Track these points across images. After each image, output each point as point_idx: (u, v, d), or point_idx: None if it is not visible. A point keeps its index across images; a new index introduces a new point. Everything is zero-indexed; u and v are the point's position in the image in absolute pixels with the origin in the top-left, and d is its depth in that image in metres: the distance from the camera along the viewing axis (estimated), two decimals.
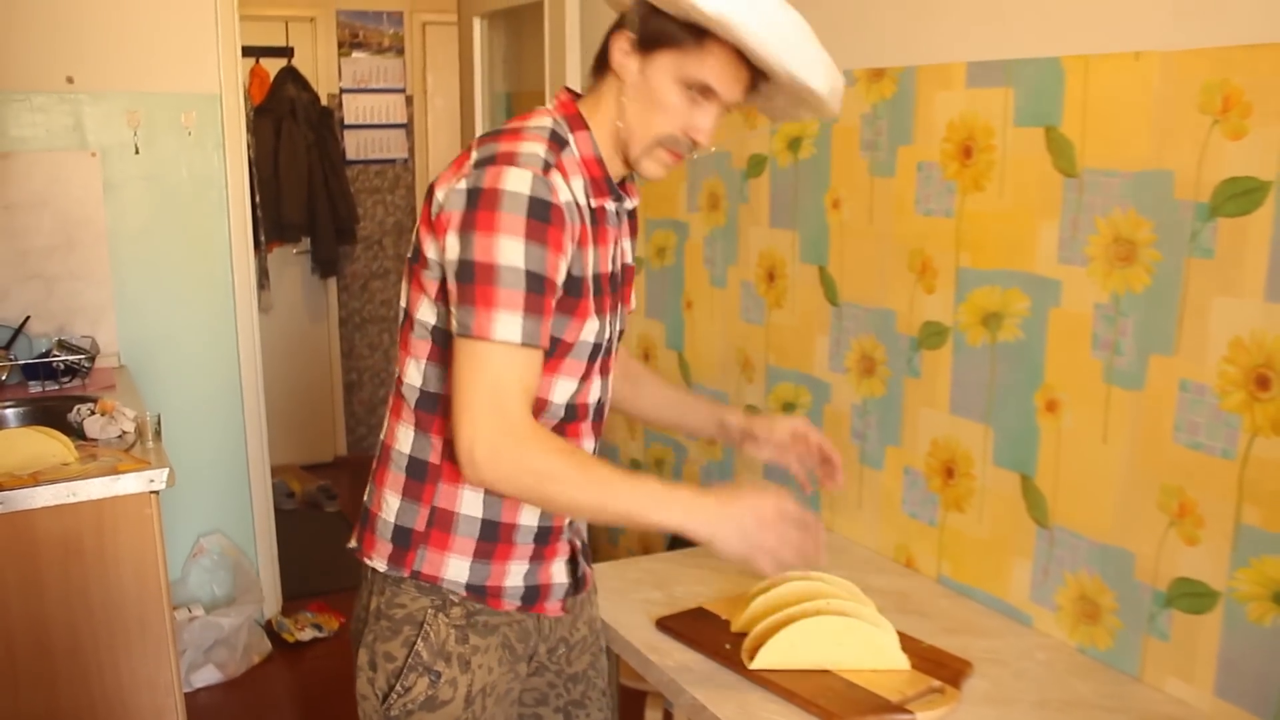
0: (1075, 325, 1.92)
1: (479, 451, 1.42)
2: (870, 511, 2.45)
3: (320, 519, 5.16)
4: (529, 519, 1.62)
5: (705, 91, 1.49)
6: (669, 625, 1.98)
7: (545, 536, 1.65)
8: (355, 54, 5.85)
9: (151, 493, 2.40)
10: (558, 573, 1.69)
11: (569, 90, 1.62)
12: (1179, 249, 1.73)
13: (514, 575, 1.63)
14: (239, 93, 3.68)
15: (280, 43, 5.58)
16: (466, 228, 1.43)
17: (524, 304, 1.41)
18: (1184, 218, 1.72)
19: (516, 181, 1.42)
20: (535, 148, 1.48)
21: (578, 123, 1.56)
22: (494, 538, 1.60)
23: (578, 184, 1.53)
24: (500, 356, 1.42)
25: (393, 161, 6.05)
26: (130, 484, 2.37)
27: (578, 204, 1.51)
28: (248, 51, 4.47)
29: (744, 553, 1.48)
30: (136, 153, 3.54)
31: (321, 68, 5.78)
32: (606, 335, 1.62)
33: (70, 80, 3.41)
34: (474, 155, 1.49)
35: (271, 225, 5.40)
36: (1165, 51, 1.73)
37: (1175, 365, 1.75)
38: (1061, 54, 1.91)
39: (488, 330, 1.41)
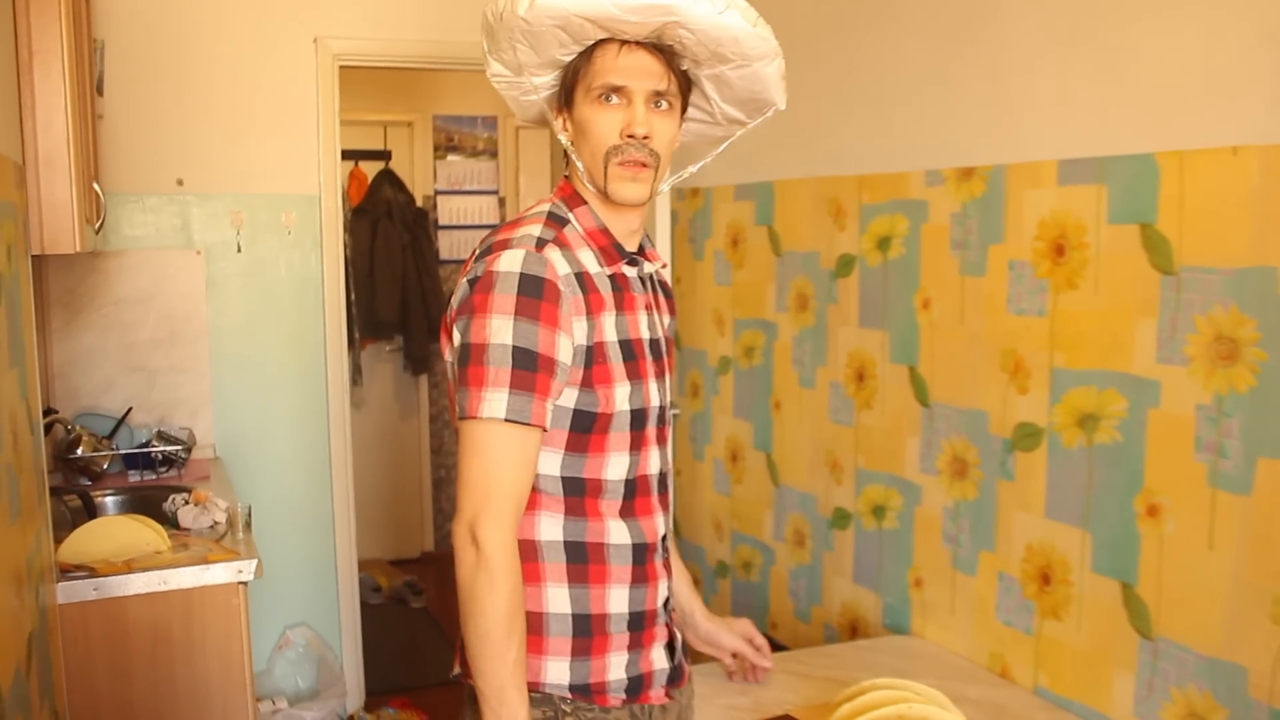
0: (1176, 427, 1.86)
1: (480, 532, 1.43)
2: (963, 618, 2.37)
3: (406, 614, 5.16)
4: (618, 606, 1.59)
5: (618, 91, 1.51)
6: None
7: (639, 622, 1.61)
8: (450, 157, 6.01)
9: (240, 583, 2.42)
10: (658, 658, 1.65)
11: (567, 177, 1.64)
12: None
13: (615, 668, 1.59)
14: (338, 194, 3.79)
15: (379, 146, 5.76)
16: (464, 313, 1.48)
17: (510, 380, 1.43)
18: None
19: (509, 262, 1.46)
20: (530, 229, 1.52)
21: (575, 200, 1.59)
22: (588, 631, 1.57)
23: (587, 255, 1.55)
24: (486, 435, 1.44)
25: None
26: (219, 574, 2.40)
27: (588, 273, 1.53)
28: (347, 155, 4.62)
29: None
30: (238, 251, 3.65)
31: (417, 170, 5.94)
32: (654, 403, 1.60)
33: (180, 182, 3.55)
34: (478, 251, 1.54)
35: (365, 322, 5.52)
36: (1264, 145, 1.70)
37: None
38: (1155, 150, 1.88)
39: (477, 408, 1.44)
